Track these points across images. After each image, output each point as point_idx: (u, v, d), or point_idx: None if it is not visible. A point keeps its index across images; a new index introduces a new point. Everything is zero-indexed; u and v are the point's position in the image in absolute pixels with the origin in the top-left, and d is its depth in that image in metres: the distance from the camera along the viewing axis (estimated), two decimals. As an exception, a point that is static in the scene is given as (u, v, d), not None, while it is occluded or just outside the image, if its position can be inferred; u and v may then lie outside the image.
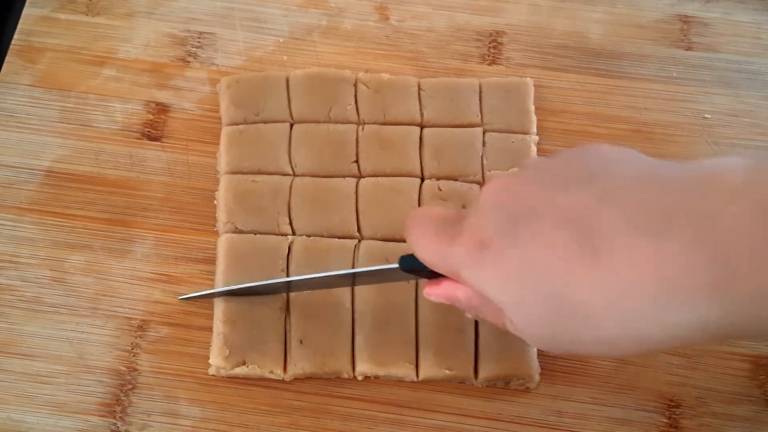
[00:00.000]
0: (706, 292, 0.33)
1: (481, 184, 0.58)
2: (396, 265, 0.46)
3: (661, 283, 0.34)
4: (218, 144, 0.59)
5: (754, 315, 0.33)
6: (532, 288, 0.37)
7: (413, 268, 0.45)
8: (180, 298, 0.55)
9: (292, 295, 0.54)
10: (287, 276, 0.54)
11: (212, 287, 0.55)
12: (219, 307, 0.54)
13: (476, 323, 0.54)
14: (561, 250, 0.36)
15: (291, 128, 0.59)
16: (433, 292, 0.44)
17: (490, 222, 0.39)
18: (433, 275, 0.44)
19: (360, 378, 0.53)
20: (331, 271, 0.53)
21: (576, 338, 0.37)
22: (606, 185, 0.36)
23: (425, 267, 0.43)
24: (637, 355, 0.48)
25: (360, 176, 0.58)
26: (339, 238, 0.56)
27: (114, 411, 0.53)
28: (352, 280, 0.52)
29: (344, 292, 0.54)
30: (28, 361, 0.54)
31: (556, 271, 0.36)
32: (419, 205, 0.57)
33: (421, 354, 0.53)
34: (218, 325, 0.53)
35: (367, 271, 0.49)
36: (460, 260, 0.40)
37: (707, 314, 0.34)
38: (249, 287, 0.53)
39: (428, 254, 0.43)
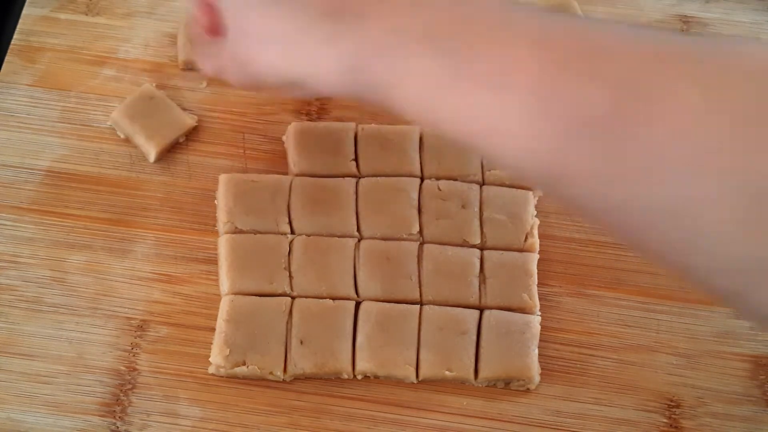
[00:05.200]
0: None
1: (481, 184, 0.58)
2: None
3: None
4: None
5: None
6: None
7: None
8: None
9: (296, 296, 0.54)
10: (290, 274, 0.54)
11: (213, 287, 0.56)
12: (224, 305, 0.54)
13: (479, 325, 0.54)
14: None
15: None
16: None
17: None
18: None
19: (360, 377, 0.53)
20: (332, 268, 0.53)
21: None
22: None
23: None
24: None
25: (360, 176, 0.58)
26: (339, 237, 0.56)
27: (114, 411, 0.53)
28: None
29: (348, 294, 0.54)
30: (28, 360, 0.54)
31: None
32: (419, 204, 0.57)
33: (422, 355, 0.53)
34: (221, 323, 0.53)
35: None
36: None
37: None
38: None
39: None
